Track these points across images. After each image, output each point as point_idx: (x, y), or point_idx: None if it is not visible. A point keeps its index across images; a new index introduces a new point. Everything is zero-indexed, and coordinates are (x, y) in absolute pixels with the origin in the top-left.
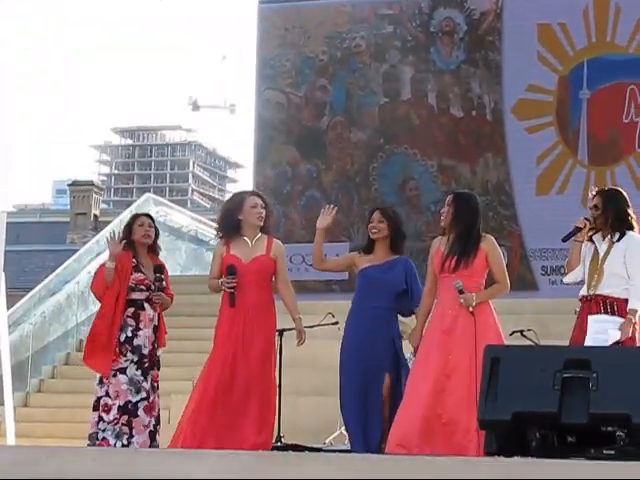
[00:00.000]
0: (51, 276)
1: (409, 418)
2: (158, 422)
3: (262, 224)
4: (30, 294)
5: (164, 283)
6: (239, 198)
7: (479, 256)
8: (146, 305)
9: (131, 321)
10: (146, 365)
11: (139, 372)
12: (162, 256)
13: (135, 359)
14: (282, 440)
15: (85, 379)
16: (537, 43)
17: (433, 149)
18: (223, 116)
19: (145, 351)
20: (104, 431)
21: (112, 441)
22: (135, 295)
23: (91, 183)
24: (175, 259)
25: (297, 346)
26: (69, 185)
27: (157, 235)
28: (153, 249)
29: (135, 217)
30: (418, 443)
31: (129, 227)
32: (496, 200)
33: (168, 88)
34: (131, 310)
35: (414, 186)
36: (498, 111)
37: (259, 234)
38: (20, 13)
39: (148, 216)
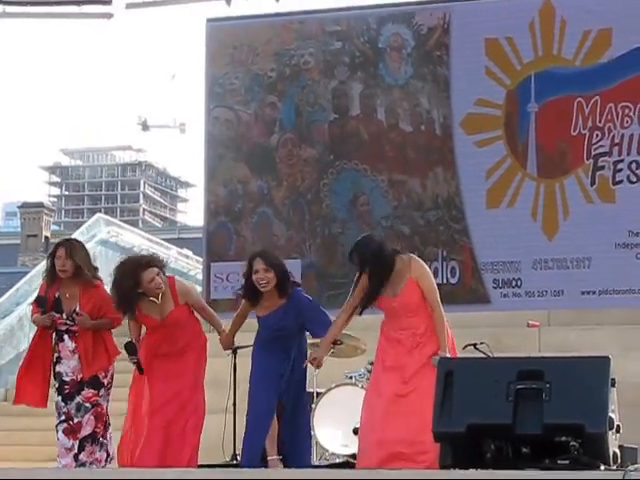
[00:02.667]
0: (2, 298)
1: (371, 445)
2: (94, 441)
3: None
4: None
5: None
6: (133, 276)
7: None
8: (65, 337)
9: (57, 348)
10: (67, 391)
11: (60, 398)
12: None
13: (56, 385)
14: (237, 458)
15: None
16: (485, 57)
17: (383, 164)
18: (173, 135)
19: (67, 379)
20: None
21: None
22: (58, 325)
23: (41, 205)
24: None
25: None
26: (19, 207)
27: (81, 267)
28: (81, 282)
29: (54, 249)
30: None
31: (51, 258)
32: (447, 214)
33: (117, 108)
34: (55, 339)
35: (365, 201)
36: (447, 125)
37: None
38: None
39: (63, 246)
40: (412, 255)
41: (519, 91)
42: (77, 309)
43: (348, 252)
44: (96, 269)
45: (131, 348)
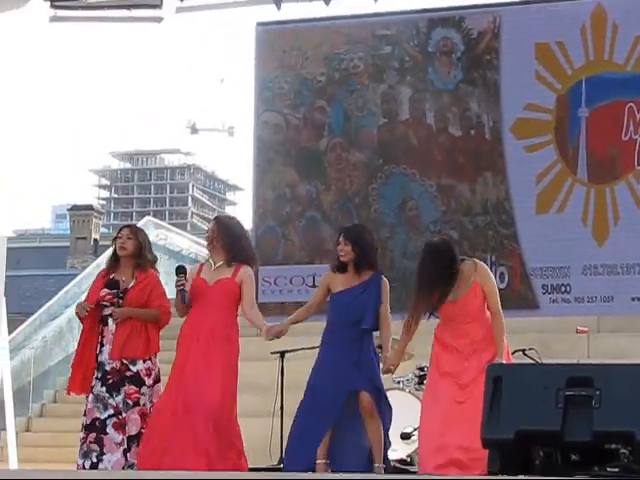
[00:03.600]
0: (52, 301)
1: (431, 448)
2: (140, 442)
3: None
4: (31, 319)
5: (121, 301)
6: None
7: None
8: (109, 320)
9: (99, 338)
10: (110, 381)
11: (103, 389)
12: (162, 279)
13: (99, 376)
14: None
15: None
16: (535, 62)
17: (432, 169)
18: (222, 139)
19: (108, 367)
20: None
21: (79, 461)
22: (104, 311)
23: (91, 207)
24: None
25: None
26: (69, 210)
27: (143, 247)
28: (139, 264)
29: (117, 231)
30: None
31: (113, 240)
32: (496, 219)
33: (167, 112)
34: (100, 327)
35: (413, 206)
36: (497, 130)
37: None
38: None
39: (129, 226)
40: (476, 260)
41: (570, 96)
42: (128, 286)
43: (426, 251)
44: (155, 259)
45: (181, 269)
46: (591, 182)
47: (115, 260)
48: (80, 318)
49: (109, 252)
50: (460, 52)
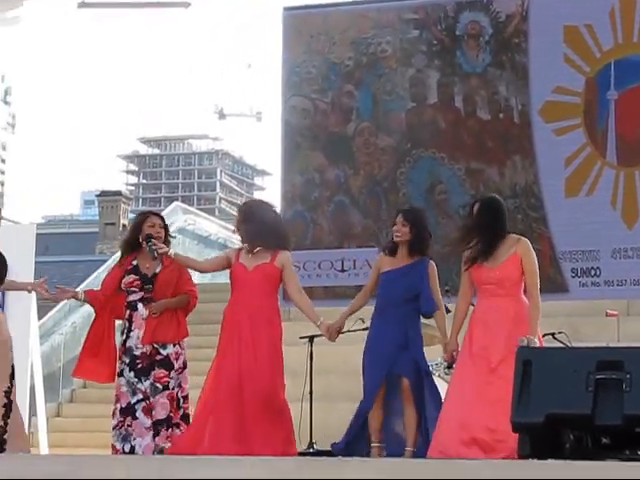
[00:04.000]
0: (81, 286)
1: (451, 429)
2: (170, 426)
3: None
4: (60, 305)
5: (150, 287)
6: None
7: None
8: (139, 305)
9: (127, 324)
10: (139, 366)
11: (132, 374)
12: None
13: (127, 361)
14: (314, 446)
15: None
16: (563, 45)
17: (461, 153)
18: (249, 124)
19: (137, 352)
20: (112, 437)
21: (119, 445)
22: (131, 297)
23: (119, 193)
24: None
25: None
26: (97, 196)
27: (167, 232)
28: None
29: (145, 216)
30: (463, 453)
31: (139, 226)
32: (525, 203)
33: (194, 97)
34: (127, 312)
35: (442, 190)
36: (525, 113)
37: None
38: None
39: (159, 216)
40: (522, 237)
41: (598, 79)
42: (157, 270)
43: (478, 203)
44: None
45: (149, 238)
46: (620, 165)
47: (134, 246)
48: (92, 305)
49: (127, 238)
50: (488, 35)
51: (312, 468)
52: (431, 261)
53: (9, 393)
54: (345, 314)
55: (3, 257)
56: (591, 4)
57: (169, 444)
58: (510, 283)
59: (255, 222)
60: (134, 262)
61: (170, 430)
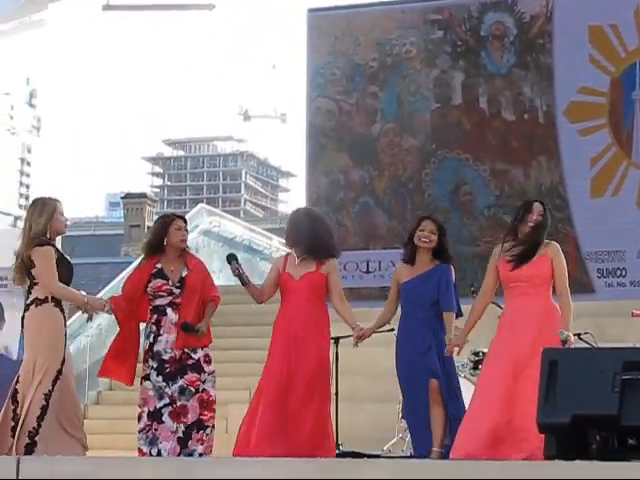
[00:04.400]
0: (106, 288)
1: (476, 429)
2: (201, 428)
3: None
4: None
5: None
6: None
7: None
8: (168, 310)
9: (154, 328)
10: (168, 370)
11: (160, 378)
12: (216, 266)
13: (155, 365)
14: (340, 447)
15: None
16: (588, 45)
17: (485, 153)
18: (274, 125)
19: (166, 356)
20: (139, 440)
21: (146, 449)
22: (157, 301)
23: (144, 195)
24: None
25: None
26: (122, 198)
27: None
28: (184, 250)
29: (171, 220)
30: (485, 453)
31: (164, 228)
32: (550, 203)
33: (219, 99)
34: (154, 317)
35: (467, 191)
36: (550, 114)
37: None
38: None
39: (183, 219)
40: (552, 241)
41: (624, 79)
42: (184, 274)
43: (539, 204)
44: None
45: (231, 257)
46: None
47: (157, 248)
48: (113, 312)
49: (150, 241)
50: (513, 36)
51: (328, 468)
52: (450, 265)
53: (48, 397)
54: (374, 327)
55: (69, 263)
56: (616, 3)
57: (200, 447)
58: (540, 280)
59: (305, 234)
60: (158, 265)
61: (201, 432)
